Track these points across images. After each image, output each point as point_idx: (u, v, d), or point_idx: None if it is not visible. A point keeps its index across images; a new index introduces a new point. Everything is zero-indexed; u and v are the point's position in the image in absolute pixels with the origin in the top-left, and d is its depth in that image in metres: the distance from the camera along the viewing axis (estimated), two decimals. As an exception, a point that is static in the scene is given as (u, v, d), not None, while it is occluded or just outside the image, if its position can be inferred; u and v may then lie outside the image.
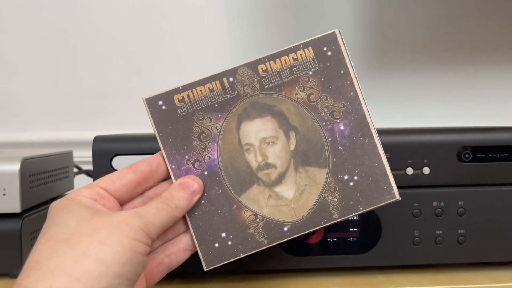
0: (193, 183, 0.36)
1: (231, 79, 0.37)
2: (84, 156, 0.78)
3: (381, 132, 0.47)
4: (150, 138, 0.46)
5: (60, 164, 0.60)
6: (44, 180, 0.54)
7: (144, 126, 0.58)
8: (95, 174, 0.45)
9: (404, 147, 0.46)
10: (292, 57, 0.36)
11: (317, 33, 0.36)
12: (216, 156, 0.37)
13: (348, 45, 0.36)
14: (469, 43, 0.87)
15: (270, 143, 0.37)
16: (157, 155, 0.37)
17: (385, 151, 0.46)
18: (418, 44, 0.87)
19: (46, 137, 0.86)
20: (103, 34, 0.85)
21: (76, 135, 0.86)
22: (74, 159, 0.68)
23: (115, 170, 0.45)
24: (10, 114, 0.86)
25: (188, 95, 0.37)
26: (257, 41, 0.85)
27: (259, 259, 0.44)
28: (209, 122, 0.37)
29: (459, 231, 0.45)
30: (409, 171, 0.46)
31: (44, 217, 0.52)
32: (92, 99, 0.86)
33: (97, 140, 0.46)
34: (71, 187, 0.64)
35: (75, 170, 0.72)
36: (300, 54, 0.36)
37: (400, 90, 0.88)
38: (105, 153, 0.45)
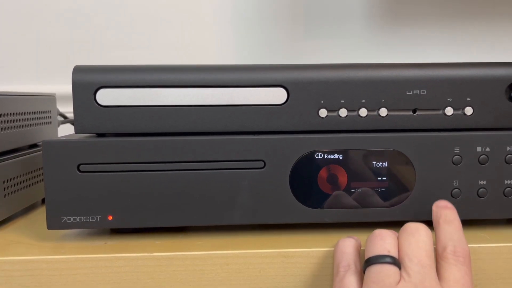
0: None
1: None
2: (70, 112, 0.71)
3: (415, 65, 0.40)
4: (140, 69, 0.38)
5: (40, 107, 0.52)
6: (20, 123, 0.47)
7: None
8: (76, 109, 0.38)
9: (443, 83, 0.39)
10: None
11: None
12: None
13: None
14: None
15: None
16: None
17: (421, 87, 0.39)
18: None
19: (30, 90, 0.79)
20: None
21: (61, 88, 0.78)
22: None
23: (99, 105, 0.38)
24: (-8, 67, 0.79)
25: None
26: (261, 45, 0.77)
27: (272, 211, 0.38)
28: None
29: (506, 182, 0.39)
30: (449, 111, 0.39)
31: (21, 165, 0.46)
32: (78, 51, 0.78)
33: (78, 70, 0.38)
34: (54, 135, 0.57)
35: (60, 118, 0.65)
36: None
37: (413, 46, 0.80)
38: (88, 85, 0.38)
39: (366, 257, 0.34)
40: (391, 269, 0.32)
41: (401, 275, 0.32)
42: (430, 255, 0.33)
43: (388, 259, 0.32)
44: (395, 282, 0.31)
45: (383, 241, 0.34)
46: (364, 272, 0.33)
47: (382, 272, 0.32)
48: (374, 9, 0.78)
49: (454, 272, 0.32)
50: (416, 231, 0.34)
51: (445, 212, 0.36)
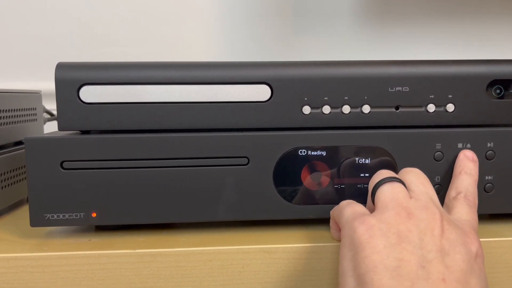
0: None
1: None
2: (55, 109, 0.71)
3: (398, 63, 0.40)
4: (124, 66, 0.38)
5: (25, 104, 0.52)
6: (5, 120, 0.46)
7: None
8: (59, 106, 0.38)
9: (425, 80, 0.39)
10: None
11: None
12: None
13: None
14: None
15: None
16: None
17: (403, 84, 0.39)
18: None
19: (15, 87, 0.78)
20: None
21: (48, 86, 0.78)
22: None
23: (83, 102, 0.38)
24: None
25: None
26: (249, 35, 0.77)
27: (255, 207, 0.38)
28: None
29: (487, 177, 0.39)
30: (431, 108, 0.39)
31: (6, 162, 0.45)
32: (66, 48, 0.77)
33: (61, 67, 0.38)
34: (40, 132, 0.57)
35: (47, 116, 0.64)
36: None
37: (401, 43, 0.80)
38: (71, 82, 0.38)
39: (373, 184, 0.34)
40: (402, 186, 0.33)
41: (410, 196, 0.33)
42: (430, 183, 0.35)
43: (397, 180, 0.34)
44: (408, 198, 0.33)
45: (387, 171, 0.35)
46: (373, 200, 0.34)
47: (395, 189, 0.33)
48: (362, 6, 0.79)
49: (465, 208, 0.35)
50: (412, 169, 0.36)
51: (469, 164, 0.38)
